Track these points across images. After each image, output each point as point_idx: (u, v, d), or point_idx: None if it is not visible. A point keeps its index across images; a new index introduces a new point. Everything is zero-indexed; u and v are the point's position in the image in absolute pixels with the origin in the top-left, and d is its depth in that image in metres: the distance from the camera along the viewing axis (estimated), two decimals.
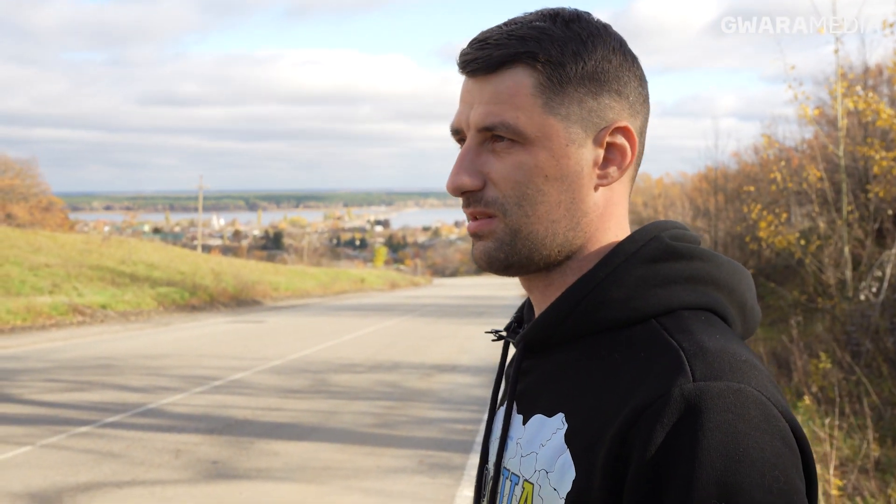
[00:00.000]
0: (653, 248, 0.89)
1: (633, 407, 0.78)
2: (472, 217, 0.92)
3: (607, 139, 0.90)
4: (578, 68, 0.88)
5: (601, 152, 0.90)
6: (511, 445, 0.94)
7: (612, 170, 0.90)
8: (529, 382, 0.94)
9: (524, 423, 0.92)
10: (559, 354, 0.90)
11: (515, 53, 0.88)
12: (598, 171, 0.90)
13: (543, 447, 0.86)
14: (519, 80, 0.88)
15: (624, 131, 0.90)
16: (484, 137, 0.91)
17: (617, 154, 0.90)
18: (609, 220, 0.92)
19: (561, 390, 0.88)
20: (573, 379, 0.87)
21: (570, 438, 0.83)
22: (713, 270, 0.90)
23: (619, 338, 0.85)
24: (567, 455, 0.83)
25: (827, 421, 6.18)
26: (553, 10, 0.92)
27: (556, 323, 0.89)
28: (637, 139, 0.91)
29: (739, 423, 0.75)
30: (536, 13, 0.92)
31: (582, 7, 0.95)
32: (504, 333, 1.02)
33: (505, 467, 0.94)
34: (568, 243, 0.91)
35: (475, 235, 0.92)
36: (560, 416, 0.86)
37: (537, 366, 0.93)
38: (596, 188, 0.90)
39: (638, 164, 0.94)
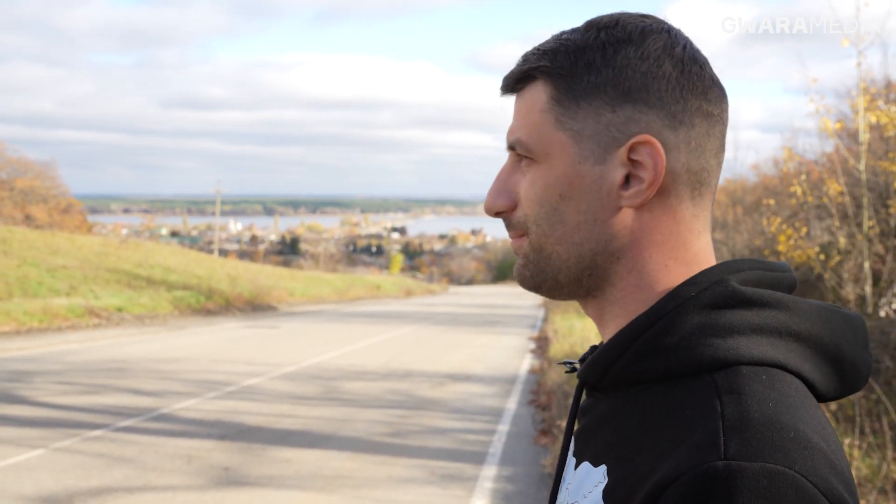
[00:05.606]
0: (715, 292, 0.77)
1: (659, 479, 0.69)
2: (511, 236, 0.90)
3: (630, 155, 0.81)
4: (593, 79, 0.82)
5: (624, 170, 0.81)
6: (563, 489, 0.88)
7: (636, 189, 0.81)
8: (585, 423, 0.87)
9: (575, 467, 0.86)
10: (613, 398, 0.82)
11: (531, 68, 0.85)
12: (622, 192, 0.81)
13: (585, 499, 0.80)
14: (536, 96, 0.85)
15: (647, 145, 0.80)
16: (517, 156, 0.88)
17: (641, 171, 0.80)
18: (650, 247, 0.82)
19: (609, 439, 0.80)
20: (620, 429, 0.79)
21: (607, 495, 0.76)
22: (790, 320, 0.77)
23: (670, 391, 0.76)
24: None
25: (847, 441, 6.09)
26: (596, 18, 0.86)
27: (604, 367, 0.81)
28: (669, 154, 0.81)
29: None
30: (583, 24, 0.87)
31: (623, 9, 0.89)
32: (577, 365, 0.92)
33: None
34: (599, 268, 0.84)
35: (515, 253, 0.91)
36: (603, 469, 0.78)
37: (595, 405, 0.86)
38: (621, 209, 0.82)
39: (698, 184, 0.83)
